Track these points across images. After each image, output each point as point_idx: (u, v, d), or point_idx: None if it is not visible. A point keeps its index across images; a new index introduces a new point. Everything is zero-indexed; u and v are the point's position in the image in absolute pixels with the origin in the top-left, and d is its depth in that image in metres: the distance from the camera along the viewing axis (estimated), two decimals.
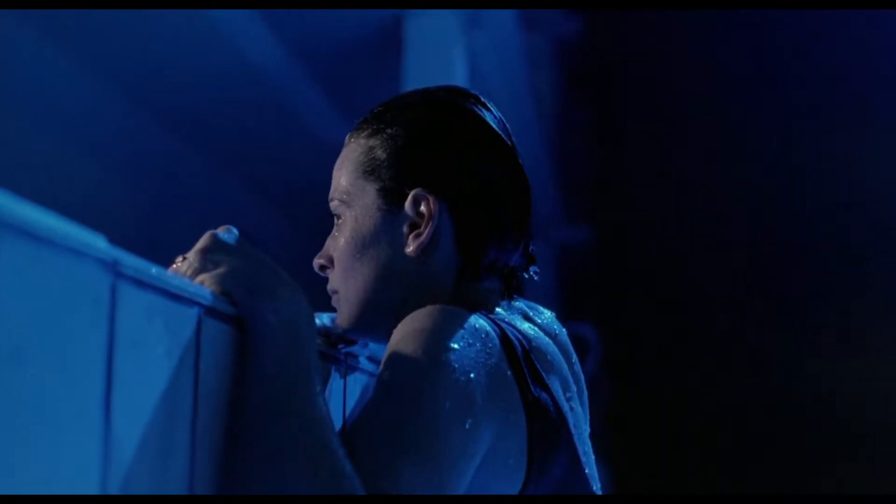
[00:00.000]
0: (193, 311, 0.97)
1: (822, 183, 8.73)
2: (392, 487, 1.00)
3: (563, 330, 1.40)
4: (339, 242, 1.31)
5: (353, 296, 1.30)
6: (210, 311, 0.99)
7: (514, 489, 1.15)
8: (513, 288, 1.35)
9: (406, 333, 1.13)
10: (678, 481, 8.42)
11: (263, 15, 4.59)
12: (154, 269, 0.90)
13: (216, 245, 1.08)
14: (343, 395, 1.32)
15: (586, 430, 1.32)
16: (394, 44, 4.52)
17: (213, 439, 1.00)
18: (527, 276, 1.37)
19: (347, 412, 1.32)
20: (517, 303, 1.36)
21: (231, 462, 1.01)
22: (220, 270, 1.05)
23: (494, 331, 1.18)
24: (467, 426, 1.08)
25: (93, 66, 4.72)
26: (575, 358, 1.38)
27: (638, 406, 8.80)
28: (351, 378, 1.35)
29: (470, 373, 1.10)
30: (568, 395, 1.26)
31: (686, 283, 8.96)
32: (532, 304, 1.40)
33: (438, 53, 4.42)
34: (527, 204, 1.33)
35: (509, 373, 1.16)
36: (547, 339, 1.30)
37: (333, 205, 1.33)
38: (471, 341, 1.13)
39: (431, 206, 1.27)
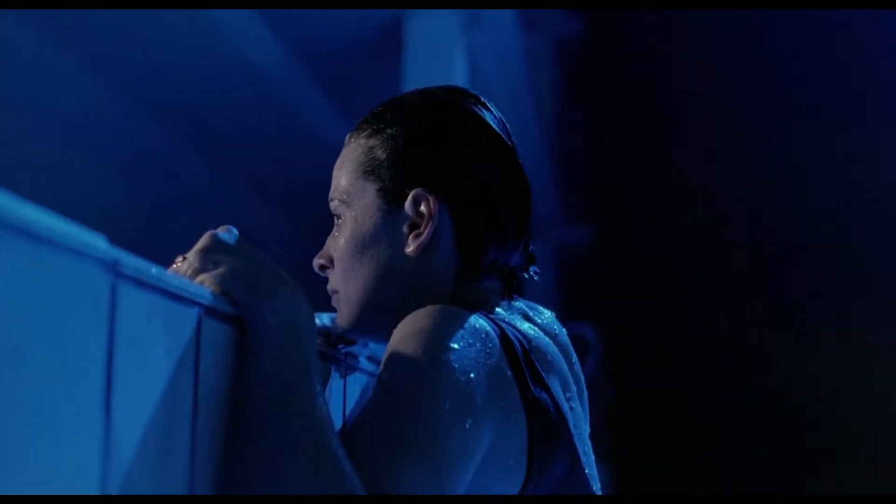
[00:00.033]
0: (193, 311, 0.97)
1: (822, 183, 8.73)
2: (392, 487, 1.00)
3: (563, 330, 1.40)
4: (339, 242, 1.31)
5: (353, 296, 1.30)
6: (210, 311, 0.99)
7: (514, 489, 1.15)
8: (513, 288, 1.35)
9: (406, 333, 1.13)
10: (678, 481, 8.42)
11: (263, 15, 4.58)
12: (154, 269, 0.90)
13: (216, 245, 1.08)
14: (343, 395, 1.32)
15: (586, 430, 1.32)
16: (394, 44, 4.52)
17: (213, 439, 1.00)
18: (527, 276, 1.37)
19: (347, 412, 1.32)
20: (517, 303, 1.36)
21: (231, 462, 1.01)
22: (220, 270, 1.05)
23: (494, 331, 1.18)
24: (467, 426, 1.08)
25: (93, 66, 4.72)
26: (575, 358, 1.38)
27: (638, 406, 8.79)
28: (351, 378, 1.35)
29: (470, 373, 1.10)
30: (568, 395, 1.26)
31: (686, 283, 8.96)
32: (532, 304, 1.40)
33: (438, 53, 4.42)
34: (527, 204, 1.33)
35: (509, 373, 1.15)
36: (547, 339, 1.30)
37: (333, 205, 1.33)
38: (471, 341, 1.13)
39: (431, 206, 1.27)
